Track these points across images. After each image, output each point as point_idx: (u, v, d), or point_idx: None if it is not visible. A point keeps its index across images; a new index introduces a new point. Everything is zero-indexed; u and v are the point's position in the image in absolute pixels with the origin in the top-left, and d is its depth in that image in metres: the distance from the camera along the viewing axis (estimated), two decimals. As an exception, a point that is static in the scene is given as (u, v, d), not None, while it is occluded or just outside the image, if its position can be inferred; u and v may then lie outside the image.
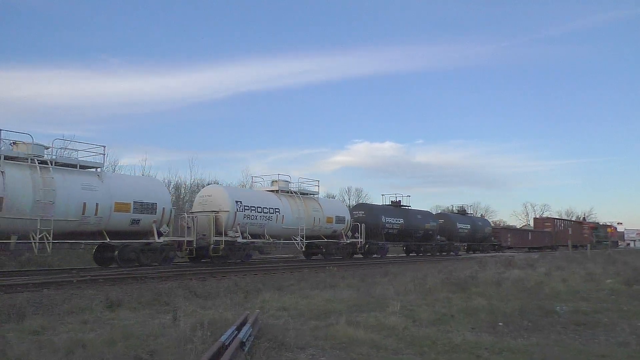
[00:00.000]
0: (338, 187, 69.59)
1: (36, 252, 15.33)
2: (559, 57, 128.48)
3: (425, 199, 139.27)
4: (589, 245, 47.72)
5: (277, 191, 25.27)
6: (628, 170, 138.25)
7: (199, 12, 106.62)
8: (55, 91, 74.43)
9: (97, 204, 16.73)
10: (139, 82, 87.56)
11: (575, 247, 48.75)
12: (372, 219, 31.08)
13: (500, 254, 39.63)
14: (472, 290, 12.00)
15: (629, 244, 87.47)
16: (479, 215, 67.72)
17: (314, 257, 28.05)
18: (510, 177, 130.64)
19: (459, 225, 40.91)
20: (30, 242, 15.04)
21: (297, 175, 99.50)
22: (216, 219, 21.47)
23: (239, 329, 5.81)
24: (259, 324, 6.74)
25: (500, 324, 7.96)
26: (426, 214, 37.96)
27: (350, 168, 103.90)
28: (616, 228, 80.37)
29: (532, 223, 70.66)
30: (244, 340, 5.40)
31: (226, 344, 5.05)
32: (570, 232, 58.52)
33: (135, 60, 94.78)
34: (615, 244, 74.15)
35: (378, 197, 79.94)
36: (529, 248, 51.91)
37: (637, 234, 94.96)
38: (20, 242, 15.79)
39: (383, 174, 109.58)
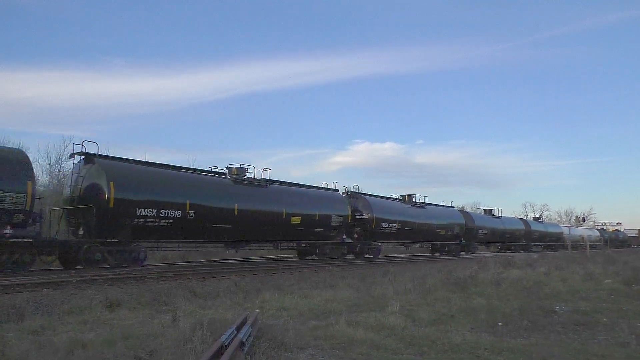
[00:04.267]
0: (338, 187, 69.64)
1: None
2: (558, 57, 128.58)
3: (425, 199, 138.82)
4: (588, 245, 49.95)
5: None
6: (628, 170, 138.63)
7: (201, 14, 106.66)
8: (58, 92, 74.45)
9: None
10: (140, 82, 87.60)
11: None
12: None
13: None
14: (472, 290, 12.01)
15: None
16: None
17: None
18: (510, 177, 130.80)
19: (620, 236, 78.31)
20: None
21: (298, 175, 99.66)
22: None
23: (238, 329, 5.81)
24: (259, 324, 6.74)
25: (499, 323, 7.96)
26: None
27: (351, 168, 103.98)
28: None
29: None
30: (244, 340, 5.40)
31: (226, 344, 5.05)
32: None
33: (138, 62, 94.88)
34: None
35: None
36: None
37: None
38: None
39: (384, 174, 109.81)
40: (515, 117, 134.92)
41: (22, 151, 16.75)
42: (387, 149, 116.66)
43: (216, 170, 22.03)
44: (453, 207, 39.95)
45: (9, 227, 14.57)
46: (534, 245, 52.20)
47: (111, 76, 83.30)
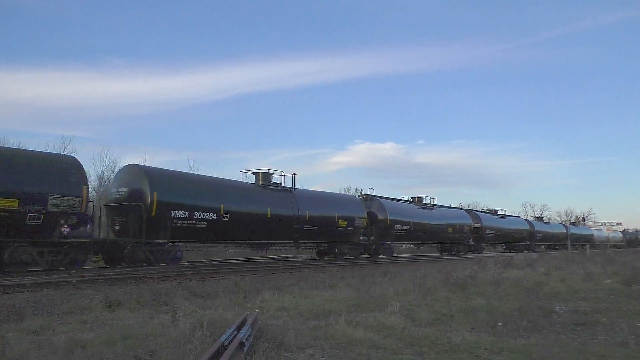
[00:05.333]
0: (338, 187, 69.83)
1: None
2: (558, 58, 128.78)
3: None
4: (588, 245, 51.46)
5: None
6: (628, 170, 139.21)
7: (201, 14, 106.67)
8: (58, 92, 74.40)
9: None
10: (140, 82, 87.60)
11: None
12: None
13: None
14: (472, 290, 12.00)
15: None
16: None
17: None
18: (510, 177, 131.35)
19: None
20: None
21: (297, 175, 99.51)
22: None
23: (238, 329, 5.81)
24: (259, 324, 6.74)
25: (499, 323, 7.96)
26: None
27: (352, 168, 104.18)
28: None
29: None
30: (244, 341, 5.40)
31: (225, 344, 5.05)
32: None
33: (138, 62, 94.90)
34: None
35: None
36: None
37: None
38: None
39: (384, 175, 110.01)
40: (515, 117, 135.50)
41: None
42: (388, 149, 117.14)
43: (406, 199, 36.87)
44: (519, 217, 54.17)
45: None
46: (572, 245, 59.39)
47: (111, 76, 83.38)
